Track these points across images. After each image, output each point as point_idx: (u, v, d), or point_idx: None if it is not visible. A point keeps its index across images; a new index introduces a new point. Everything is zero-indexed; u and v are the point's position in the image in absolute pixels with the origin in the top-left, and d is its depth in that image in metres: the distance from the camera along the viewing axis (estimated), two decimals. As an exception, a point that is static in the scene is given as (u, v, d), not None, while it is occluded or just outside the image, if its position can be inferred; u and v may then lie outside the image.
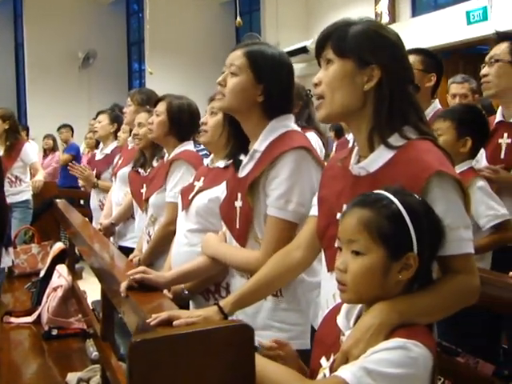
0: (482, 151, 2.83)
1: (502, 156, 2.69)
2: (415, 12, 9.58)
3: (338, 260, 1.37)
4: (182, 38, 12.45)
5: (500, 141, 2.71)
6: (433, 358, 1.27)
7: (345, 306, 1.43)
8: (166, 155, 3.22)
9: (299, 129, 2.05)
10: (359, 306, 1.41)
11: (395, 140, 1.50)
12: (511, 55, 2.65)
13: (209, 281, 2.29)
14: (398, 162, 1.47)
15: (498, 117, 2.77)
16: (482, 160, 2.82)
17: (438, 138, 2.50)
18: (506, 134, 2.69)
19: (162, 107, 3.02)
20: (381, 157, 1.50)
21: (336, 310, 1.46)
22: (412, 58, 3.00)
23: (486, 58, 2.74)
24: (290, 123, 2.01)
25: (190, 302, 2.41)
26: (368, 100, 1.54)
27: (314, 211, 1.70)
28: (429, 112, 3.00)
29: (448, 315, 1.45)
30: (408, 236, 1.33)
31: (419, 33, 8.92)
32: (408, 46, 6.19)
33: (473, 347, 2.53)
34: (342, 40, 1.55)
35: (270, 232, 1.88)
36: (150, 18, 10.04)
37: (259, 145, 1.96)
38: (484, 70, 2.73)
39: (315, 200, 1.71)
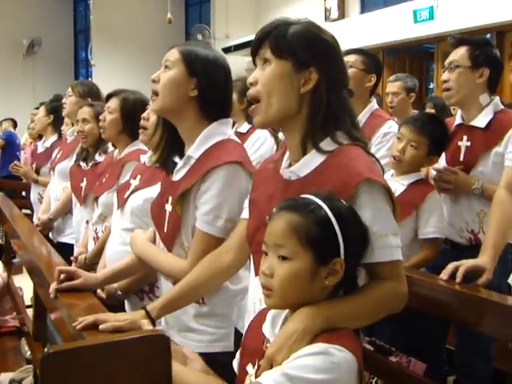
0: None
1: (461, 158, 2.71)
2: (364, 9, 9.65)
3: (264, 264, 1.35)
4: (130, 27, 12.28)
5: (459, 143, 2.73)
6: (357, 362, 1.27)
7: (270, 313, 1.42)
8: (111, 149, 3.15)
9: (236, 138, 2.02)
10: (285, 313, 1.39)
11: (327, 145, 1.49)
12: (471, 60, 2.65)
13: (142, 280, 2.27)
14: (328, 167, 1.46)
15: (458, 119, 2.79)
16: (441, 162, 2.85)
17: (411, 148, 2.57)
18: (465, 137, 2.71)
19: (114, 104, 2.87)
20: (312, 161, 1.49)
21: (262, 317, 1.45)
22: (353, 58, 3.04)
23: (446, 63, 2.73)
24: (227, 130, 1.98)
25: (126, 302, 2.38)
26: (304, 103, 1.52)
27: (245, 214, 1.68)
28: (366, 112, 3.05)
29: (374, 321, 1.46)
30: (335, 241, 1.33)
31: (368, 29, 9.01)
32: (357, 42, 6.42)
33: (417, 348, 2.58)
34: (280, 40, 1.51)
35: (198, 244, 1.86)
36: (95, 5, 9.86)
37: (194, 151, 1.92)
38: (444, 76, 2.71)
39: (247, 202, 1.69)
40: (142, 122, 2.42)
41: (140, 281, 2.26)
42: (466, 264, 1.96)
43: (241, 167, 1.87)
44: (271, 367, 1.28)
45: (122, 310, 2.31)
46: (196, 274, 1.76)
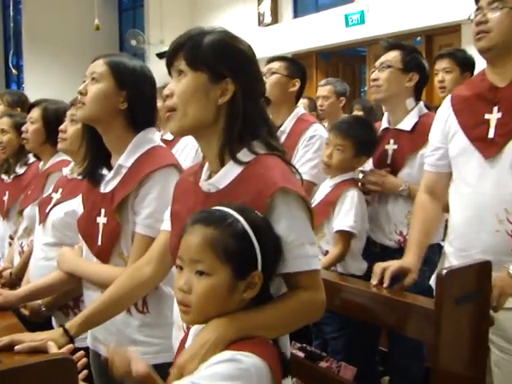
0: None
1: (389, 161, 2.75)
2: (297, 13, 9.74)
3: (180, 280, 1.32)
4: (63, 32, 12.04)
5: (386, 147, 2.77)
6: (270, 368, 1.26)
7: (193, 330, 1.40)
8: (31, 160, 3.06)
9: (163, 145, 2.02)
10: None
11: (244, 155, 1.48)
12: (403, 63, 2.72)
13: (67, 296, 2.21)
14: (245, 178, 1.45)
15: (384, 123, 2.84)
16: (368, 165, 2.88)
17: (338, 152, 2.60)
18: (392, 140, 2.75)
19: (36, 114, 2.79)
20: (230, 173, 1.48)
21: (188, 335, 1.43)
22: (277, 65, 3.07)
23: (377, 64, 2.78)
24: (155, 137, 1.98)
25: (53, 318, 2.32)
26: (221, 114, 1.50)
27: (166, 226, 1.65)
28: (292, 117, 3.06)
29: (292, 330, 1.47)
30: (253, 254, 1.32)
31: (301, 34, 9.09)
32: (290, 46, 6.47)
33: (349, 352, 2.60)
34: (195, 51, 1.49)
35: (138, 250, 1.83)
36: (26, 10, 9.64)
37: (125, 160, 1.90)
38: (374, 75, 2.77)
39: (167, 214, 1.66)
40: (60, 135, 2.37)
41: (64, 296, 2.20)
42: (391, 267, 1.97)
43: (176, 170, 1.88)
44: (181, 376, 1.26)
45: (50, 326, 2.24)
46: (116, 287, 1.73)
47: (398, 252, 2.65)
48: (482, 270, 1.63)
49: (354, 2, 8.32)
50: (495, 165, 1.97)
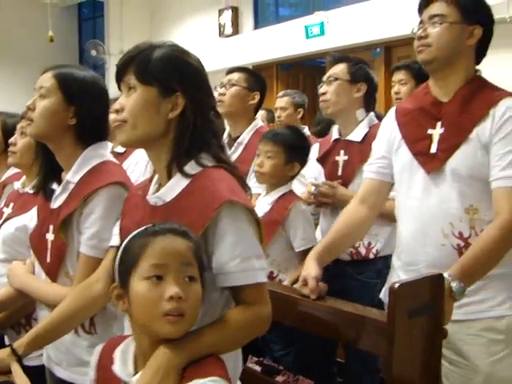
0: (321, 168, 2.90)
1: (340, 173, 2.76)
2: (257, 24, 9.74)
3: (172, 288, 1.28)
4: (22, 43, 11.87)
5: (337, 158, 2.78)
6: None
7: (118, 351, 1.38)
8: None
9: (114, 160, 1.97)
10: (131, 351, 1.37)
11: (191, 168, 1.48)
12: (350, 75, 2.74)
13: (19, 313, 2.16)
14: (192, 191, 1.45)
15: (335, 134, 2.85)
16: (320, 177, 2.88)
17: (269, 159, 2.57)
18: (342, 151, 2.77)
19: None
20: (177, 185, 1.48)
21: (107, 356, 1.40)
22: (236, 76, 3.07)
23: (324, 78, 2.80)
24: (105, 152, 1.94)
25: (5, 337, 2.26)
26: (170, 128, 1.50)
27: (115, 241, 1.63)
28: (250, 129, 3.07)
29: (241, 346, 1.49)
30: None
31: (261, 45, 9.10)
32: (251, 57, 6.49)
33: (307, 365, 2.59)
34: (144, 66, 1.49)
35: (83, 270, 1.80)
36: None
37: (72, 176, 1.86)
38: (322, 89, 2.78)
39: (117, 229, 1.64)
40: (10, 148, 2.33)
41: (17, 313, 2.15)
42: (309, 276, 1.95)
43: (123, 188, 1.83)
44: None
45: (2, 345, 2.19)
46: (66, 305, 1.70)
47: (350, 265, 2.67)
48: (435, 282, 1.64)
49: (314, 14, 8.36)
50: (438, 180, 1.99)
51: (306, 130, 4.34)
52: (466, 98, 2.00)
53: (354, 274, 2.70)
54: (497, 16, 6.62)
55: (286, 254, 2.61)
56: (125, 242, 1.38)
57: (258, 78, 3.17)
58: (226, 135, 3.15)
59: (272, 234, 2.55)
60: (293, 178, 2.72)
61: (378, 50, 7.78)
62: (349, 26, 7.89)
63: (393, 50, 7.64)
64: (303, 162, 2.72)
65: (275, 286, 2.14)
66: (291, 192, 2.70)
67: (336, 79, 2.73)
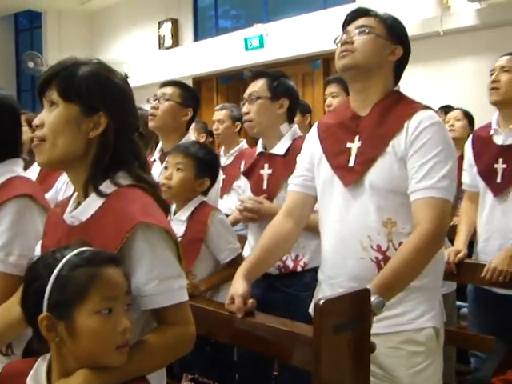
0: (247, 182, 2.89)
1: (265, 187, 2.75)
2: (197, 36, 9.75)
3: (123, 321, 1.28)
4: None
5: (261, 172, 2.77)
6: None
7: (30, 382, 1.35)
8: None
9: (25, 175, 1.93)
10: (44, 371, 1.34)
11: (106, 187, 1.46)
12: (270, 92, 2.72)
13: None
14: (106, 211, 1.43)
15: (259, 148, 2.84)
16: (246, 191, 2.87)
17: (178, 172, 2.52)
18: (266, 165, 2.76)
19: None
20: (92, 205, 1.46)
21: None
22: (170, 90, 3.02)
23: (245, 95, 2.77)
24: (16, 168, 1.90)
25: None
26: (91, 147, 1.48)
27: None
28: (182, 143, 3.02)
29: (164, 366, 1.49)
30: None
31: (201, 57, 9.11)
32: (191, 69, 6.52)
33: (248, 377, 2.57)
34: (68, 82, 1.46)
35: None
36: None
37: None
38: (245, 108, 2.76)
39: (38, 248, 1.61)
40: None
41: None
42: (236, 294, 1.94)
43: (32, 201, 1.80)
44: None
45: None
46: None
47: (278, 278, 2.67)
48: (361, 297, 1.64)
49: (253, 27, 8.41)
50: (357, 193, 2.00)
51: (244, 143, 4.34)
52: (383, 112, 2.02)
53: (283, 287, 2.69)
54: (431, 30, 6.84)
55: (214, 269, 2.57)
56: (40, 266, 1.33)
57: (192, 94, 3.14)
58: (158, 150, 3.12)
59: (196, 253, 2.49)
60: (204, 194, 2.65)
61: (317, 62, 7.87)
62: (288, 38, 7.97)
63: (331, 62, 7.68)
64: (213, 178, 2.65)
65: (205, 303, 2.12)
66: (203, 204, 2.61)
67: (258, 98, 2.72)
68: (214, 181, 2.66)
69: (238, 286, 1.98)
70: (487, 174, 2.94)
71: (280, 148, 2.73)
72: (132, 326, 1.39)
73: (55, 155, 1.46)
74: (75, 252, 1.31)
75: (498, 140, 2.93)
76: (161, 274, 1.40)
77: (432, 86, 6.44)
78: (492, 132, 2.97)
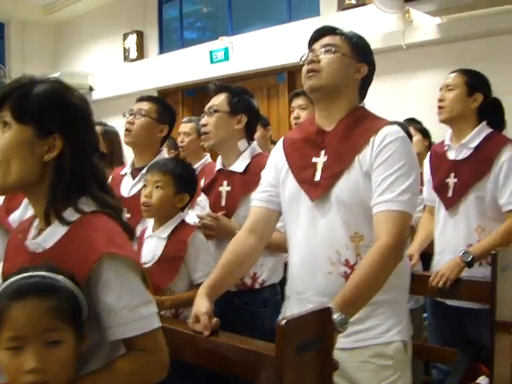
0: (206, 198, 2.88)
1: (223, 203, 2.74)
2: (163, 49, 9.73)
3: (30, 361, 1.22)
4: None
5: (220, 189, 2.76)
6: None
7: None
8: None
9: None
10: None
11: (70, 214, 1.42)
12: (229, 107, 2.74)
13: None
14: (70, 239, 1.40)
15: (218, 165, 2.83)
16: (206, 207, 2.86)
17: (158, 189, 2.51)
18: (225, 182, 2.75)
19: None
20: (56, 233, 1.42)
21: None
22: (147, 106, 3.01)
23: (206, 108, 2.79)
24: None
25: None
26: (47, 171, 1.43)
27: None
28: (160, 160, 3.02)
29: None
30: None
31: (167, 70, 9.08)
32: (156, 82, 6.53)
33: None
34: (22, 102, 1.41)
35: None
36: None
37: None
38: (203, 120, 2.78)
39: None
40: None
41: None
42: (200, 312, 1.92)
43: None
44: None
45: None
46: None
47: (236, 295, 2.67)
48: (323, 316, 1.63)
49: (219, 39, 8.41)
50: (324, 208, 2.01)
51: (208, 158, 4.33)
52: (349, 127, 2.04)
53: (242, 304, 2.70)
54: (393, 43, 6.92)
55: (189, 288, 2.54)
56: None
57: (168, 110, 3.12)
58: (129, 164, 3.10)
59: (176, 271, 2.49)
60: (181, 210, 2.65)
61: (282, 75, 7.90)
62: (253, 51, 7.99)
63: (297, 75, 7.77)
64: (192, 193, 2.67)
65: (168, 322, 2.09)
66: (184, 223, 2.63)
67: (216, 111, 2.74)
68: (192, 196, 2.67)
69: (201, 304, 1.96)
70: (440, 189, 3.01)
71: (239, 165, 2.73)
72: (95, 351, 1.39)
73: (9, 181, 1.41)
74: (21, 276, 1.29)
75: (451, 155, 3.00)
76: (130, 302, 1.37)
77: (396, 99, 6.51)
78: (446, 148, 3.02)
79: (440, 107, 2.99)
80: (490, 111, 2.99)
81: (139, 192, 2.69)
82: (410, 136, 3.70)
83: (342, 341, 1.82)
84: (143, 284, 1.44)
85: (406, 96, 6.51)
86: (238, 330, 1.97)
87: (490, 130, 2.94)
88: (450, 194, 2.94)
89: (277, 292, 2.71)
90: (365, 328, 1.97)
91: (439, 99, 2.99)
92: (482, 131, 2.93)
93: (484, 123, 2.96)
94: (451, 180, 2.94)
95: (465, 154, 2.94)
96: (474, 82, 2.96)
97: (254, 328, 2.24)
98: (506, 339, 2.68)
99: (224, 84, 2.91)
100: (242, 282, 2.68)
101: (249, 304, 2.71)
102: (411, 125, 4.14)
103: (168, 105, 3.21)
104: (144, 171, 2.95)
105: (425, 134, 4.27)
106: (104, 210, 1.46)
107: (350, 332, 1.85)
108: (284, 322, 1.50)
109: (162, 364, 1.44)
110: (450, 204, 2.95)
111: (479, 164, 2.88)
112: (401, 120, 3.98)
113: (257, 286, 2.71)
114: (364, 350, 1.97)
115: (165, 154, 3.16)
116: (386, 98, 6.34)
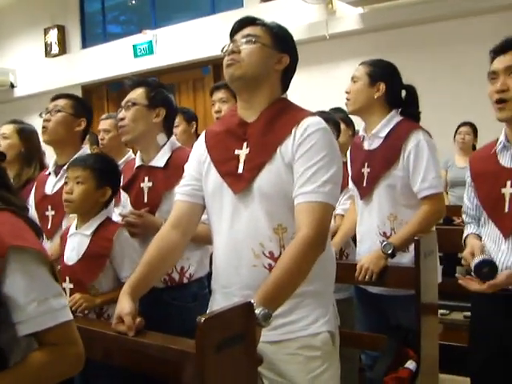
0: (127, 196, 2.81)
1: (145, 200, 2.69)
2: (85, 43, 9.54)
3: None
4: None
5: (142, 185, 2.71)
6: None
7: None
8: None
9: None
10: None
11: None
12: (148, 100, 2.69)
13: None
14: None
15: (138, 161, 2.78)
16: (126, 205, 2.79)
17: (79, 185, 2.45)
18: (146, 178, 2.70)
19: None
20: None
21: None
22: (62, 102, 2.99)
23: (123, 103, 2.73)
24: None
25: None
26: None
27: None
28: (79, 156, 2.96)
29: None
30: None
31: (90, 64, 8.93)
32: (80, 77, 6.50)
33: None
34: None
35: None
36: None
37: None
38: (121, 114, 2.71)
39: None
40: None
41: None
42: (123, 313, 1.87)
43: None
44: None
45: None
46: None
47: (164, 291, 2.63)
48: (244, 311, 1.60)
49: (142, 33, 8.30)
50: (246, 200, 1.98)
51: (131, 154, 4.24)
52: (271, 119, 2.02)
53: (170, 300, 2.65)
54: (317, 34, 7.00)
55: (115, 285, 2.48)
56: None
57: (84, 104, 3.11)
58: (52, 163, 3.04)
59: (101, 268, 2.44)
60: (106, 204, 2.60)
61: (208, 67, 7.86)
62: (177, 44, 7.93)
63: (222, 68, 7.72)
64: (115, 186, 2.62)
65: (90, 324, 2.04)
66: (109, 220, 2.58)
67: (134, 104, 2.68)
68: (116, 189, 2.63)
69: (124, 304, 1.91)
70: (357, 179, 3.03)
71: (159, 160, 2.69)
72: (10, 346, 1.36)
73: None
74: None
75: (365, 145, 3.02)
76: (39, 295, 1.35)
77: (320, 88, 6.57)
78: (361, 138, 3.05)
79: (347, 99, 3.00)
80: (404, 99, 3.01)
81: (62, 189, 2.63)
82: (338, 125, 3.74)
83: (268, 334, 1.80)
84: (52, 277, 1.41)
85: (329, 85, 6.57)
86: (168, 327, 1.95)
87: (400, 117, 2.97)
88: (364, 183, 2.97)
89: (204, 286, 2.68)
90: (291, 320, 1.95)
91: (346, 91, 3.01)
92: (391, 120, 2.94)
93: (394, 112, 2.97)
94: (365, 170, 2.96)
95: (376, 143, 2.95)
96: (377, 71, 2.96)
97: (184, 323, 2.18)
98: (432, 321, 2.74)
99: (141, 79, 2.86)
100: (169, 277, 2.64)
101: (177, 299, 2.67)
102: (336, 114, 4.13)
103: (83, 99, 3.19)
104: (65, 167, 2.89)
105: (349, 123, 4.28)
106: (8, 207, 1.43)
107: (276, 325, 1.84)
108: (203, 319, 1.46)
109: (76, 356, 1.41)
110: (364, 193, 2.98)
111: (388, 152, 2.89)
112: (326, 109, 3.99)
113: (185, 280, 2.67)
114: (291, 342, 1.95)
115: (87, 150, 3.10)
116: (311, 87, 6.40)
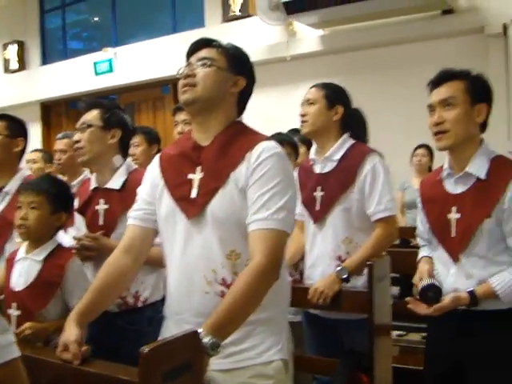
0: (82, 219, 2.77)
1: (101, 222, 2.65)
2: (45, 60, 9.44)
3: None
4: None
5: (97, 207, 2.67)
6: None
7: None
8: None
9: None
10: None
11: None
12: (103, 121, 2.67)
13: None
14: None
15: (93, 183, 2.74)
16: (81, 227, 2.75)
17: (33, 210, 2.40)
18: (102, 200, 2.66)
19: None
20: None
21: None
22: None
23: (77, 125, 2.71)
24: None
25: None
26: None
27: None
28: (17, 178, 2.97)
29: None
30: None
31: (50, 81, 8.83)
32: (39, 94, 6.40)
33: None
34: None
35: None
36: None
37: None
38: (76, 136, 2.69)
39: None
40: None
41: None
42: (69, 340, 1.83)
43: None
44: None
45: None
46: None
47: (119, 316, 2.59)
48: (191, 340, 1.58)
49: (103, 51, 8.25)
50: (200, 225, 1.95)
51: (87, 173, 4.19)
52: (225, 143, 2.00)
53: (125, 324, 2.61)
54: (278, 55, 7.03)
55: (63, 314, 2.42)
56: None
57: (19, 124, 3.05)
58: None
59: (51, 296, 2.37)
60: (59, 229, 2.55)
61: (168, 87, 7.84)
62: (137, 62, 7.90)
63: (181, 87, 7.75)
64: (69, 210, 2.58)
65: (33, 352, 1.98)
66: (61, 247, 2.51)
67: (89, 126, 2.66)
68: (69, 213, 2.58)
69: (70, 331, 1.87)
70: (308, 203, 3.02)
71: (115, 182, 2.66)
72: None
73: None
74: None
75: (317, 169, 3.02)
76: None
77: (279, 110, 6.60)
78: (311, 162, 3.05)
79: (303, 121, 3.00)
80: (352, 122, 3.03)
81: (3, 212, 2.55)
82: (296, 146, 3.75)
83: (220, 362, 1.78)
84: None
85: (288, 107, 6.58)
86: (123, 351, 1.93)
87: (353, 141, 2.98)
88: (317, 207, 2.96)
89: (159, 310, 2.63)
90: (243, 348, 1.91)
91: (301, 114, 3.00)
92: (344, 143, 2.96)
93: (346, 135, 2.98)
94: (318, 193, 2.96)
95: (330, 166, 2.95)
96: (333, 94, 2.98)
97: (138, 349, 2.15)
98: (386, 344, 2.74)
99: (95, 100, 2.84)
100: (124, 301, 2.60)
101: (133, 324, 2.62)
102: (295, 135, 4.14)
103: (17, 118, 3.11)
104: (6, 189, 2.84)
105: (307, 144, 4.29)
106: None
107: (228, 353, 1.81)
108: (147, 349, 1.44)
109: None
110: (318, 217, 2.97)
111: (343, 176, 2.90)
112: (284, 131, 3.99)
113: (139, 304, 2.64)
114: (243, 370, 1.91)
115: (26, 172, 3.07)
116: (272, 108, 6.43)
